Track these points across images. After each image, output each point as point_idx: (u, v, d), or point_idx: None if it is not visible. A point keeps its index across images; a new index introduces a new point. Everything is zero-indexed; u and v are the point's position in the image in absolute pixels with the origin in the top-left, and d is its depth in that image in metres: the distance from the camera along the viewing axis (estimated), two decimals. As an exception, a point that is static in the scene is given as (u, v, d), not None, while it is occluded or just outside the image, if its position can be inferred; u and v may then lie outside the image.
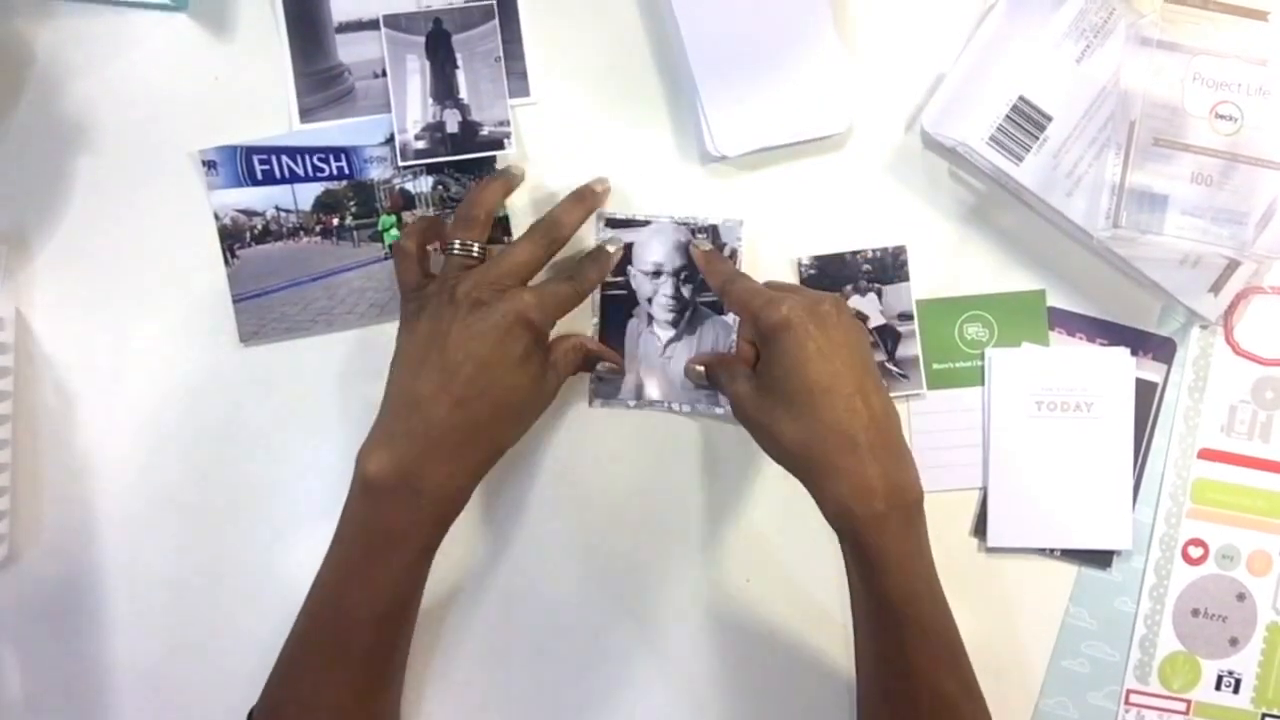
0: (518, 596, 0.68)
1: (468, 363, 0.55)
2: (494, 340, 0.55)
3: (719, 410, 0.66)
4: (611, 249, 0.63)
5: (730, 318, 0.66)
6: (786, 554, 0.68)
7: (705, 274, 0.63)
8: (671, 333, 0.66)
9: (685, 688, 0.68)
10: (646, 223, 0.65)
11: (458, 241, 0.59)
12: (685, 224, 0.65)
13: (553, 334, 0.60)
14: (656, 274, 0.66)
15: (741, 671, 0.68)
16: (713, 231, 0.65)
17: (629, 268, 0.66)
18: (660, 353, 0.66)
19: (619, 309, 0.66)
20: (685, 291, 0.66)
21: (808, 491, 0.55)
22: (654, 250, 0.66)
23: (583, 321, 0.67)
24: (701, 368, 0.63)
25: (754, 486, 0.68)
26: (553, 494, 0.68)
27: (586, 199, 0.63)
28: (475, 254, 0.59)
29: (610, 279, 0.65)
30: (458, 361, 0.55)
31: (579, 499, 0.68)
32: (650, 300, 0.66)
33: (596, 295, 0.66)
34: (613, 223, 0.65)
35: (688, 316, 0.66)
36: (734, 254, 0.65)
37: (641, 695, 0.68)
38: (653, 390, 0.66)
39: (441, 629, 0.67)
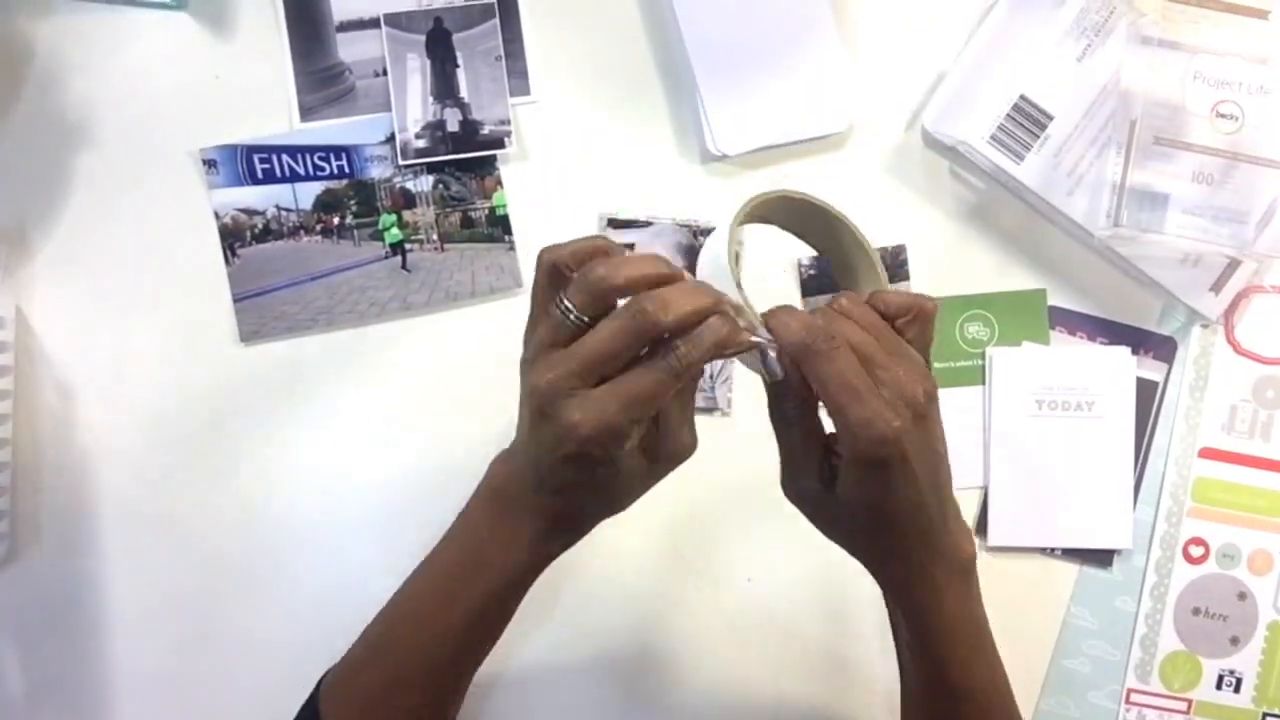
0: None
1: (533, 463, 0.49)
2: (551, 463, 0.47)
3: (717, 411, 0.66)
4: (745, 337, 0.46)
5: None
6: (787, 554, 0.68)
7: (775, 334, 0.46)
8: None
9: (684, 687, 0.68)
10: (648, 224, 0.65)
11: (567, 300, 0.46)
12: (687, 226, 0.65)
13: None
14: None
15: (742, 671, 0.68)
16: (713, 234, 0.65)
17: None
18: None
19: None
20: None
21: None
22: (655, 251, 0.65)
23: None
24: (777, 371, 0.47)
25: (753, 486, 0.68)
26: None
27: (704, 300, 0.45)
28: (571, 321, 0.46)
29: None
30: (521, 432, 0.49)
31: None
32: None
33: None
34: (615, 222, 0.65)
35: None
36: (735, 257, 0.64)
37: (641, 695, 0.68)
38: None
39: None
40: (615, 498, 0.52)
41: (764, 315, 0.46)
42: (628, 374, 0.45)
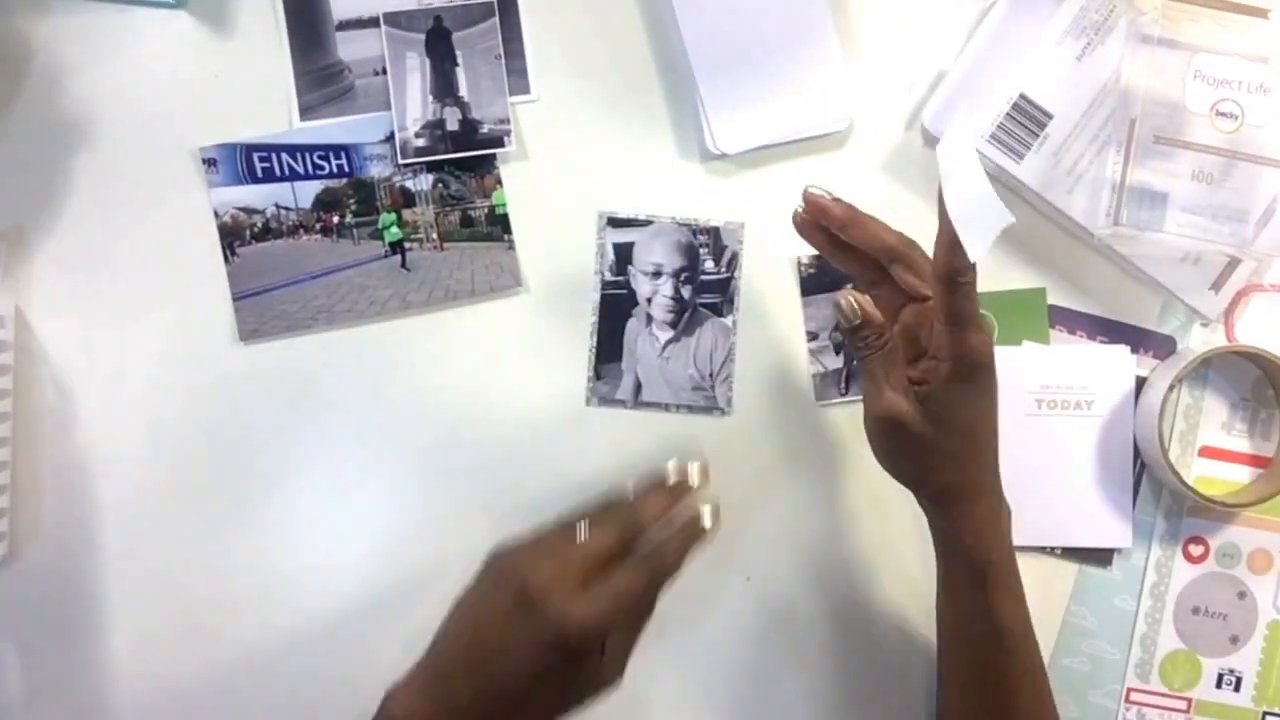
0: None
1: (498, 659, 0.50)
2: (528, 652, 0.49)
3: (717, 411, 0.66)
4: (708, 522, 0.55)
5: (730, 320, 0.66)
6: (787, 552, 0.68)
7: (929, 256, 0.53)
8: (670, 334, 0.65)
9: (684, 687, 0.68)
10: (648, 222, 0.65)
11: (583, 528, 0.53)
12: (686, 225, 0.65)
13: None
14: (656, 274, 0.65)
15: (741, 670, 0.68)
16: (714, 234, 0.65)
17: (629, 267, 0.65)
18: (659, 353, 0.65)
19: (618, 308, 0.66)
20: (685, 293, 0.65)
21: (932, 513, 0.57)
22: (654, 250, 0.65)
23: (582, 322, 0.67)
24: (854, 316, 0.55)
25: (753, 485, 0.68)
26: (550, 493, 0.67)
27: (677, 494, 0.56)
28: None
29: (610, 278, 0.65)
30: (492, 653, 0.50)
31: (575, 496, 0.67)
32: (649, 300, 0.65)
33: (596, 295, 0.65)
34: (614, 221, 0.65)
35: (686, 318, 0.65)
36: (734, 257, 0.64)
37: (641, 694, 0.68)
38: (651, 391, 0.66)
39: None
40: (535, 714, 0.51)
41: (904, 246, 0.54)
42: (618, 575, 0.51)
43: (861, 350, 0.56)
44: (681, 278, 0.65)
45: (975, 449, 0.55)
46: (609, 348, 0.66)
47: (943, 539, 0.57)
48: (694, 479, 0.56)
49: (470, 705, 0.50)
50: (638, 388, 0.66)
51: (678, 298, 0.66)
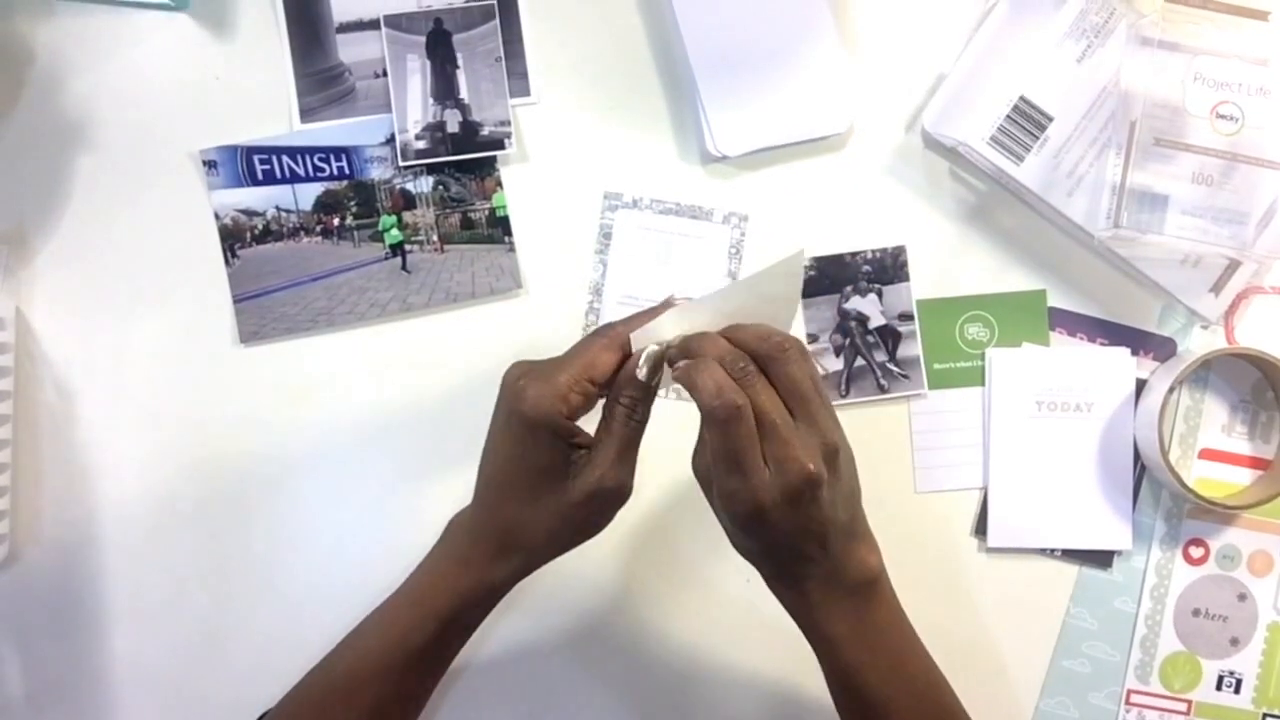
0: (514, 595, 0.68)
1: (489, 455, 0.55)
2: (500, 430, 0.53)
3: None
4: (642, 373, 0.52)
5: None
6: (787, 554, 0.68)
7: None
8: None
9: (683, 688, 0.68)
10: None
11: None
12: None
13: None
14: None
15: (741, 671, 0.68)
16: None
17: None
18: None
19: None
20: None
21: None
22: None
23: (582, 323, 0.67)
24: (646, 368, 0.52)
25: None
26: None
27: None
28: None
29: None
30: (487, 455, 0.55)
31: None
32: None
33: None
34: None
35: None
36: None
37: (641, 695, 0.68)
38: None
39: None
40: (553, 519, 0.53)
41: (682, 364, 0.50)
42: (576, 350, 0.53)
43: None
44: None
45: (790, 569, 0.52)
46: None
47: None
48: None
49: (485, 516, 0.55)
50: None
51: None
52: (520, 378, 0.52)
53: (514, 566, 0.55)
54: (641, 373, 0.51)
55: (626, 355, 0.52)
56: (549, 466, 0.52)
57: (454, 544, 0.57)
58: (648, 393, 0.52)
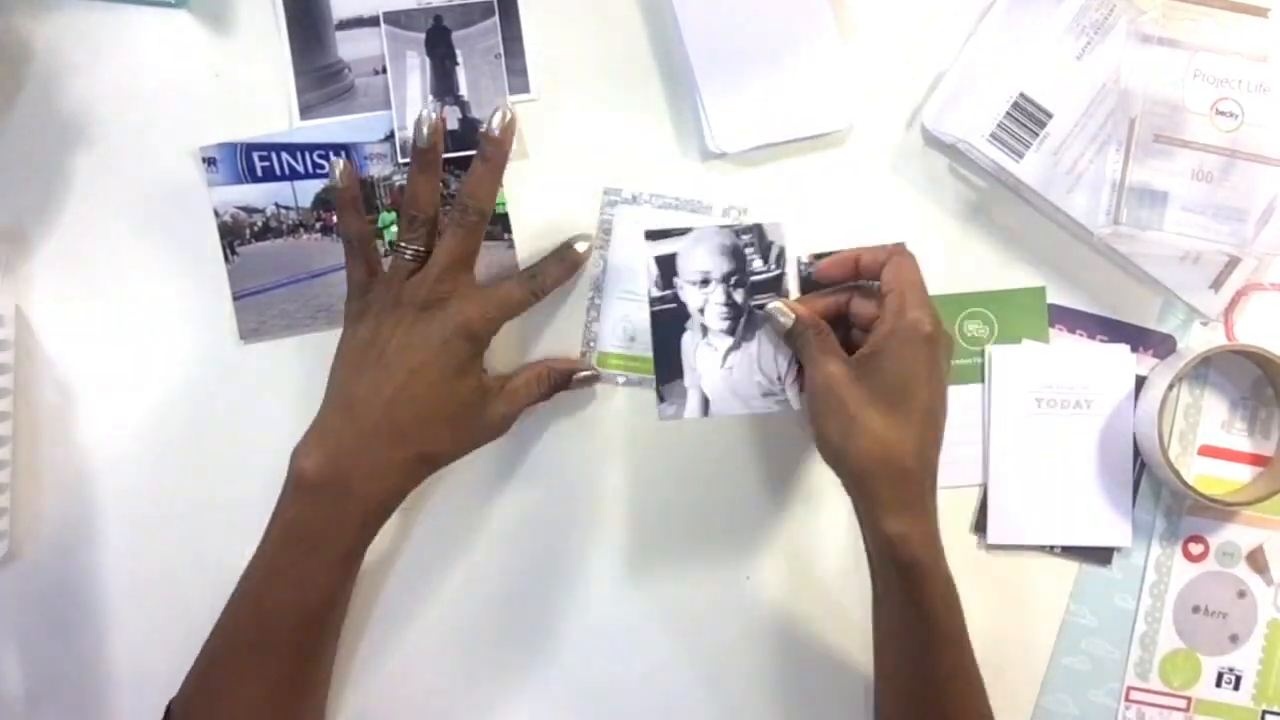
0: (515, 596, 0.68)
1: (402, 368, 0.56)
2: (433, 349, 0.56)
3: (783, 409, 0.62)
4: (581, 247, 0.63)
5: None
6: (787, 551, 0.68)
7: (841, 268, 0.60)
8: (729, 341, 0.61)
9: (684, 687, 0.68)
10: (687, 230, 0.61)
11: (406, 246, 0.59)
12: (728, 228, 0.61)
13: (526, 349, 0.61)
14: (704, 282, 0.61)
15: (742, 670, 0.68)
16: (757, 231, 0.60)
17: (675, 279, 0.61)
18: (721, 364, 0.61)
19: (672, 323, 0.61)
20: (738, 296, 0.61)
21: (856, 495, 0.55)
22: (698, 258, 0.61)
23: (580, 321, 0.67)
24: (788, 317, 0.58)
25: (753, 484, 0.68)
26: (549, 492, 0.67)
27: (568, 260, 0.63)
28: (423, 257, 0.59)
29: (657, 293, 0.60)
30: (394, 366, 0.56)
31: (577, 497, 0.68)
32: (702, 310, 0.61)
33: (645, 312, 0.61)
34: (652, 234, 0.60)
35: (743, 322, 0.61)
36: (781, 252, 0.61)
37: (641, 693, 0.68)
38: (721, 405, 0.61)
39: (442, 626, 0.67)
40: (449, 422, 0.58)
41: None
42: (498, 284, 0.60)
43: (801, 349, 0.58)
44: (732, 281, 0.61)
45: (901, 422, 0.53)
46: (668, 366, 0.61)
47: (869, 531, 0.55)
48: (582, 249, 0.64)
49: (378, 430, 0.55)
50: (705, 403, 0.61)
51: (730, 303, 0.61)
52: (447, 296, 0.57)
53: (420, 473, 0.58)
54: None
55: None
56: (472, 390, 0.58)
57: (338, 475, 0.56)
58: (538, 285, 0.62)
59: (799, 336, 0.58)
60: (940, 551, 0.55)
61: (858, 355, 0.55)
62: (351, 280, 0.60)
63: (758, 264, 0.61)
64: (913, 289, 0.55)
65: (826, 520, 0.68)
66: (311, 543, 0.56)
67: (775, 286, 0.61)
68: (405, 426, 0.56)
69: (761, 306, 0.60)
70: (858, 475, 0.54)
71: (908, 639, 0.55)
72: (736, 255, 0.61)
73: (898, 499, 0.53)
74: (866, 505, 0.54)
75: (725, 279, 0.61)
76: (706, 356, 0.61)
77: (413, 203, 0.59)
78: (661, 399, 0.61)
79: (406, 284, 0.58)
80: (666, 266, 0.60)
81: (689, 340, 0.61)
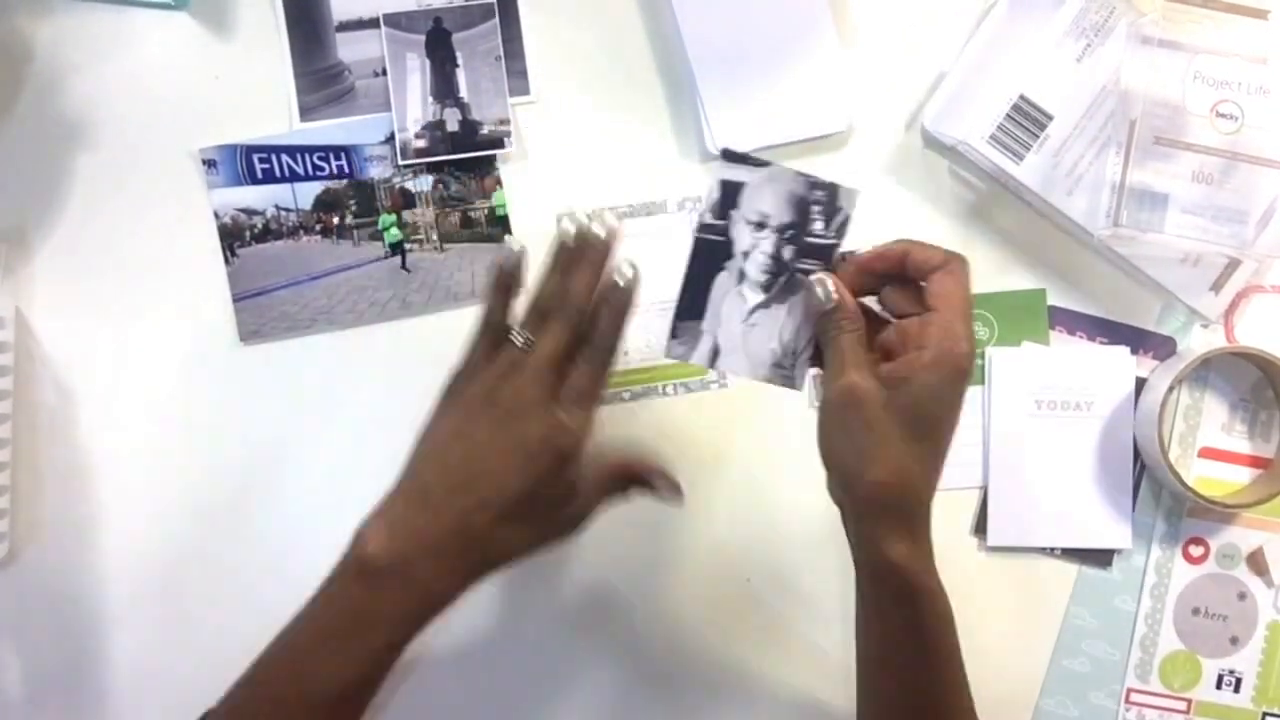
0: (508, 598, 0.68)
1: (486, 475, 0.52)
2: (519, 462, 0.52)
3: (785, 385, 0.59)
4: (624, 278, 0.54)
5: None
6: (788, 553, 0.68)
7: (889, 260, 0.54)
8: (761, 297, 0.58)
9: (685, 687, 0.68)
10: (766, 164, 0.56)
11: (520, 336, 0.54)
12: (805, 176, 0.56)
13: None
14: (760, 225, 0.57)
15: (741, 670, 0.68)
16: (831, 191, 0.56)
17: (732, 213, 0.56)
18: (744, 318, 0.58)
19: (711, 257, 0.57)
20: (786, 253, 0.57)
21: (857, 517, 0.53)
22: (764, 197, 0.57)
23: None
24: (830, 298, 0.53)
25: (753, 485, 0.68)
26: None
27: (590, 253, 0.55)
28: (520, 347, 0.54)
29: (710, 220, 0.56)
30: (478, 470, 0.53)
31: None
32: (746, 255, 0.57)
33: (689, 239, 0.57)
34: (730, 155, 0.56)
35: (782, 282, 0.58)
36: (846, 221, 0.56)
37: (642, 693, 0.68)
38: (728, 360, 0.59)
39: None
40: (525, 529, 0.54)
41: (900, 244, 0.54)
42: (578, 377, 0.53)
43: (826, 332, 0.54)
44: (786, 234, 0.57)
45: (924, 455, 0.51)
46: (692, 303, 0.58)
47: (868, 554, 0.52)
48: (601, 233, 0.54)
49: (453, 528, 0.52)
50: (715, 352, 0.58)
51: (776, 256, 0.57)
52: (530, 407, 0.52)
53: (479, 571, 0.53)
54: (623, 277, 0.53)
55: None
56: (560, 498, 0.54)
57: (405, 566, 0.52)
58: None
59: (832, 325, 0.54)
60: (936, 572, 0.53)
61: (888, 373, 0.52)
62: (469, 361, 0.56)
63: (818, 225, 0.57)
64: (964, 316, 0.51)
65: (827, 522, 0.68)
66: (365, 625, 0.52)
67: (826, 256, 0.57)
68: (480, 532, 0.52)
69: (807, 273, 0.56)
70: (868, 502, 0.52)
71: (903, 660, 0.53)
72: (801, 208, 0.57)
73: (904, 526, 0.51)
74: (869, 530, 0.52)
75: (781, 230, 0.57)
76: (733, 304, 0.58)
77: (551, 297, 0.54)
78: (674, 335, 0.58)
79: (503, 384, 0.53)
80: (729, 196, 0.56)
81: (722, 282, 0.58)
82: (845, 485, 0.52)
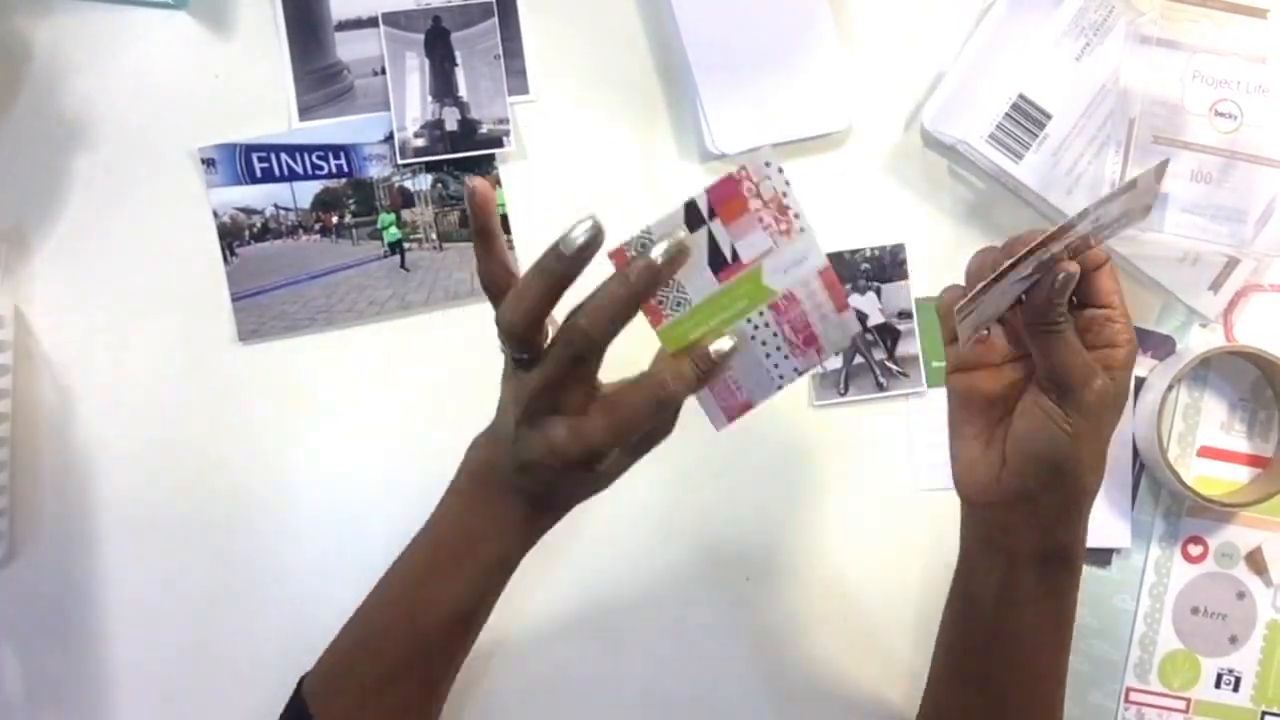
0: (510, 596, 0.68)
1: (516, 455, 0.49)
2: (532, 464, 0.48)
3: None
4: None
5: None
6: (787, 552, 0.68)
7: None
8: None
9: (685, 686, 0.68)
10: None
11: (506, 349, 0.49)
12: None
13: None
14: None
15: (741, 670, 0.68)
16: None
17: None
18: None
19: None
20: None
21: (1051, 501, 0.51)
22: None
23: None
24: (1073, 270, 0.47)
25: (752, 486, 0.68)
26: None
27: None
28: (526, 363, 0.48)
29: None
30: (513, 446, 0.49)
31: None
32: None
33: None
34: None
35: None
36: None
37: (642, 693, 0.68)
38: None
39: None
40: (595, 483, 0.52)
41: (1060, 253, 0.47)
42: (617, 397, 0.46)
43: (1056, 322, 0.48)
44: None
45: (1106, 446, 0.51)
46: None
47: (1057, 542, 0.52)
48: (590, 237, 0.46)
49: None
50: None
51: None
52: (545, 413, 0.47)
53: (556, 519, 0.53)
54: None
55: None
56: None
57: (492, 497, 0.51)
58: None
59: (1049, 322, 0.48)
60: None
61: (1110, 372, 0.49)
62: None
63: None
64: (1127, 310, 0.50)
65: (827, 521, 0.68)
66: (477, 537, 0.52)
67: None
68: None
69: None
70: (1086, 494, 0.51)
71: (1043, 639, 0.54)
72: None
73: (1080, 514, 0.52)
74: (1070, 515, 0.51)
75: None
76: None
77: (510, 314, 0.47)
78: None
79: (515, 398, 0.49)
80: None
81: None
82: (1066, 479, 0.50)
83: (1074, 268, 0.47)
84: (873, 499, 0.68)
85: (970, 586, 0.56)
